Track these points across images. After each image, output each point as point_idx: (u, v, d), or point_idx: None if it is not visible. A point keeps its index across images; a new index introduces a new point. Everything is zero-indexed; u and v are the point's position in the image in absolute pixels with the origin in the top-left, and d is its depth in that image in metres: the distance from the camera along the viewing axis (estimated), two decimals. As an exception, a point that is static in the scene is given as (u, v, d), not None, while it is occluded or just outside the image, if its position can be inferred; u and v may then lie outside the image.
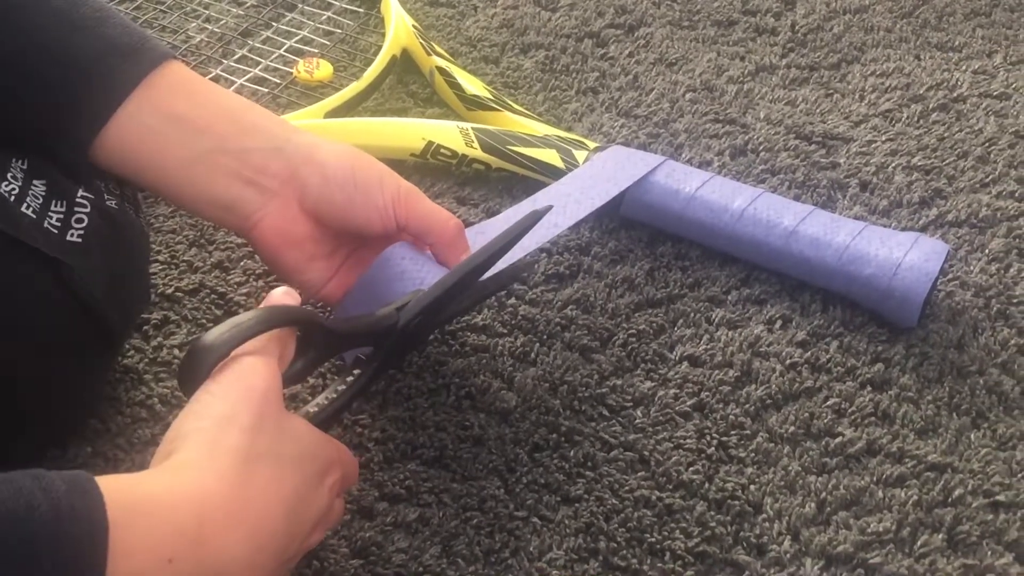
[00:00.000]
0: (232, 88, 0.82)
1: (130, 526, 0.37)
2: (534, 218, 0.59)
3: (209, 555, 0.39)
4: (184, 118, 0.52)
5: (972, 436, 0.60)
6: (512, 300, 0.67)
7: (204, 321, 0.65)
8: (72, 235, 0.51)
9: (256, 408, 0.43)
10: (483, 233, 0.64)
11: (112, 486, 0.37)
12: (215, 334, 0.43)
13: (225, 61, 0.86)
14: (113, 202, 0.55)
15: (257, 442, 0.42)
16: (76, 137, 0.51)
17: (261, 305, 0.48)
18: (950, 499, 0.57)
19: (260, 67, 0.85)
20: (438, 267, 0.58)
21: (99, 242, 0.52)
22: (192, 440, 0.41)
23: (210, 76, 0.84)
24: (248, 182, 0.53)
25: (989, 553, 0.54)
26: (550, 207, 0.64)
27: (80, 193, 0.53)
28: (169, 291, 0.66)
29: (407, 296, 0.54)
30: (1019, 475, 0.58)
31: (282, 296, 0.50)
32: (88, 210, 0.52)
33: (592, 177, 0.70)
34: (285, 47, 0.88)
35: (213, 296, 0.66)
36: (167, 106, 0.52)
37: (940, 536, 0.55)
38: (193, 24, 0.91)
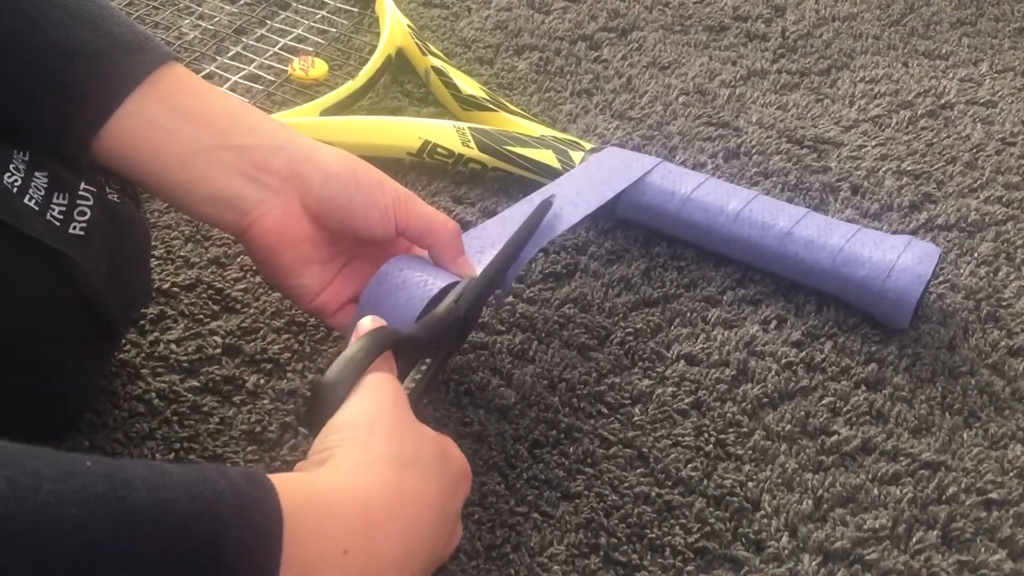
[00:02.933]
0: (226, 85, 0.82)
1: (308, 518, 0.38)
2: (547, 207, 0.62)
3: (376, 550, 0.40)
4: (186, 114, 0.52)
5: (965, 435, 0.61)
6: (510, 298, 0.68)
7: (201, 316, 0.64)
8: (74, 228, 0.51)
9: (391, 418, 0.44)
10: (479, 238, 0.64)
11: (284, 481, 0.39)
12: (334, 374, 0.45)
13: (219, 58, 0.86)
14: (115, 196, 0.55)
15: (402, 448, 0.44)
16: (78, 130, 0.50)
17: (354, 336, 0.49)
18: (944, 497, 0.57)
19: (254, 64, 0.85)
20: (437, 269, 0.58)
21: (101, 235, 0.52)
22: (343, 449, 0.43)
23: (204, 73, 0.84)
24: (249, 178, 0.53)
25: (983, 549, 0.55)
26: (553, 195, 0.66)
27: (82, 186, 0.52)
28: (165, 286, 0.66)
29: (458, 289, 0.55)
30: (1011, 473, 0.59)
31: (371, 323, 0.50)
32: (90, 203, 0.52)
33: (588, 179, 0.71)
34: (279, 45, 0.88)
35: (210, 291, 0.66)
36: (170, 103, 0.52)
37: (935, 533, 0.56)
38: (187, 21, 0.90)
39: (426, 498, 0.44)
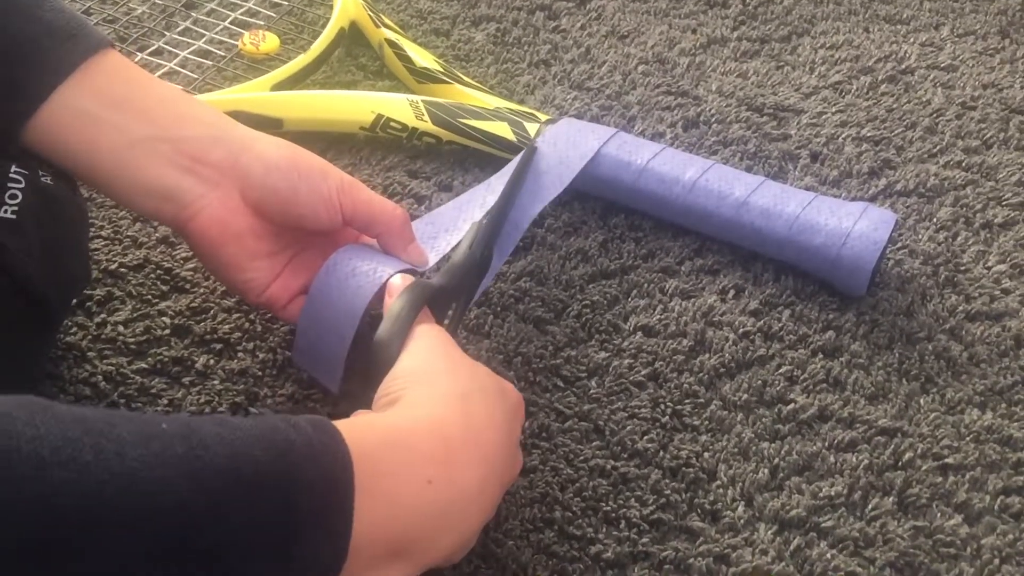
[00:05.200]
0: (175, 60, 0.80)
1: (389, 454, 0.41)
2: (531, 153, 0.67)
3: (456, 477, 0.43)
4: (121, 105, 0.51)
5: (921, 401, 0.61)
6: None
7: (149, 297, 0.63)
8: (5, 211, 0.49)
9: (448, 357, 0.48)
10: (432, 223, 0.63)
11: (360, 424, 0.43)
12: (386, 331, 0.49)
13: (168, 33, 0.84)
14: (48, 178, 0.53)
15: (461, 381, 0.47)
16: (7, 120, 0.49)
17: (388, 295, 0.52)
18: (900, 463, 0.57)
19: (204, 39, 0.83)
20: (386, 257, 0.57)
21: (34, 219, 0.51)
22: (410, 391, 0.46)
23: (152, 48, 0.82)
24: (187, 170, 0.52)
25: (939, 515, 0.55)
26: (538, 141, 0.69)
27: (13, 169, 0.51)
28: (113, 267, 0.64)
29: (470, 235, 0.59)
30: (967, 438, 0.59)
31: (403, 280, 0.53)
32: (22, 186, 0.51)
33: (545, 158, 0.69)
34: (230, 19, 0.86)
35: (159, 271, 0.65)
36: (104, 92, 0.50)
37: (891, 499, 0.56)
38: (134, -4, 0.88)
39: (494, 424, 0.46)
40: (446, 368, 0.48)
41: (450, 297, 0.56)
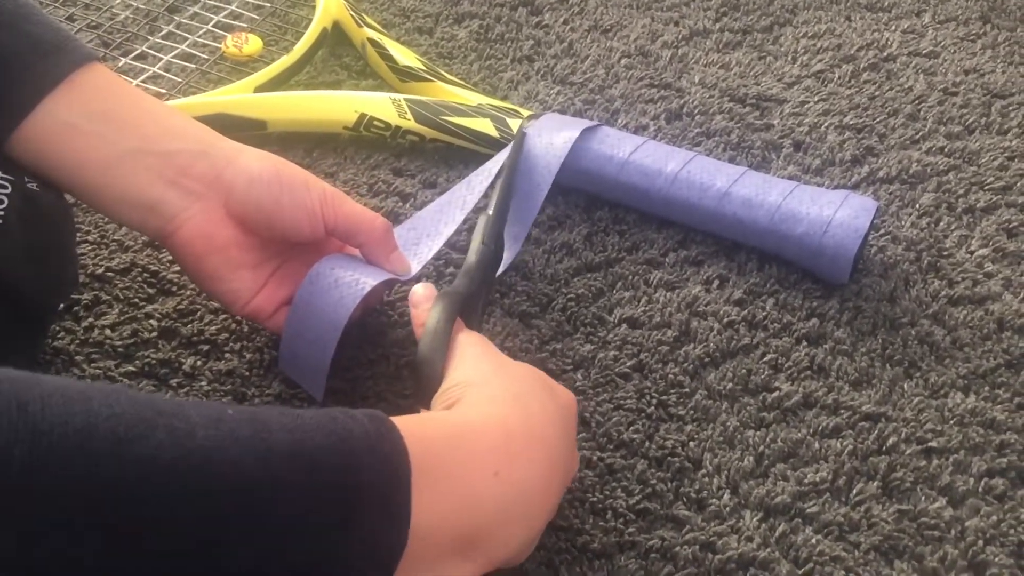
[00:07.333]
0: (159, 64, 0.81)
1: (459, 446, 0.43)
2: (521, 139, 0.68)
3: (520, 471, 0.44)
4: (107, 117, 0.51)
5: (905, 386, 0.61)
6: (450, 269, 0.67)
7: (136, 300, 0.63)
8: None
9: (491, 360, 0.49)
10: (414, 228, 0.64)
11: (428, 418, 0.45)
12: (427, 348, 0.50)
13: (151, 38, 0.84)
14: (34, 184, 0.54)
15: (514, 381, 0.48)
16: None
17: (413, 306, 0.54)
18: (884, 447, 0.58)
19: (188, 43, 0.84)
20: (369, 267, 0.57)
21: (20, 224, 0.51)
22: (468, 393, 0.47)
23: (136, 53, 0.82)
24: (172, 183, 0.52)
25: (923, 498, 0.56)
26: (529, 126, 0.69)
27: None
28: (99, 271, 0.65)
29: (480, 229, 0.59)
30: (951, 422, 0.59)
31: (426, 291, 0.55)
32: (8, 191, 0.51)
33: (532, 155, 0.69)
34: (213, 22, 0.86)
35: (145, 275, 0.65)
36: (90, 105, 0.51)
37: (875, 484, 0.56)
38: (118, 0, 0.88)
39: (551, 420, 0.47)
40: (496, 371, 0.49)
41: (476, 297, 0.57)
